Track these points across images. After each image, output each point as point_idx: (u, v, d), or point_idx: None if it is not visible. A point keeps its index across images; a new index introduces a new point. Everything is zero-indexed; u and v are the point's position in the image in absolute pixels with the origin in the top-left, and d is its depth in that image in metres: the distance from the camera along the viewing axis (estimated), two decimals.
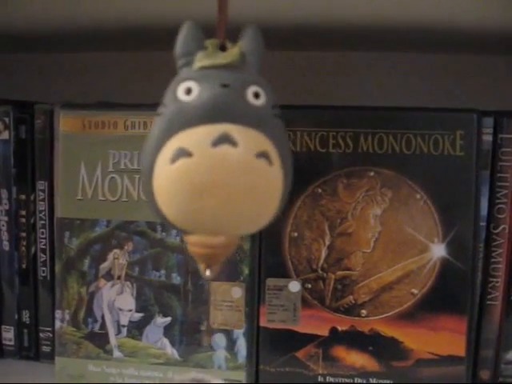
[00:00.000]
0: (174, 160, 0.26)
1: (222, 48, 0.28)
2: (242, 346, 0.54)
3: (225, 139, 0.26)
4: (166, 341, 0.55)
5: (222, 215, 0.26)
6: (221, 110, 0.26)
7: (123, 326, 0.55)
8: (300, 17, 0.50)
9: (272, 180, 0.27)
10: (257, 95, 0.27)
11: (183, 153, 0.26)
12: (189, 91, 0.27)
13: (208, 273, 0.29)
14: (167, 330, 0.55)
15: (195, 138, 0.26)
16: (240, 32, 0.28)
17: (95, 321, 0.56)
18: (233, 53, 0.28)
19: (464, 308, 0.53)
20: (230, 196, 0.26)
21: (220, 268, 0.29)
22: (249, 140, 0.26)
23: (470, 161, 0.53)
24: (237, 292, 0.53)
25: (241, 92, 0.27)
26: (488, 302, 0.58)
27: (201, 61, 0.27)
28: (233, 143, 0.26)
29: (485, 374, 0.59)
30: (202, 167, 0.26)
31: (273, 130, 0.27)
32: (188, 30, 0.28)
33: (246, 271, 0.53)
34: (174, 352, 0.55)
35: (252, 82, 0.27)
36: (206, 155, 0.26)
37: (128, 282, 0.55)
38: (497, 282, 0.57)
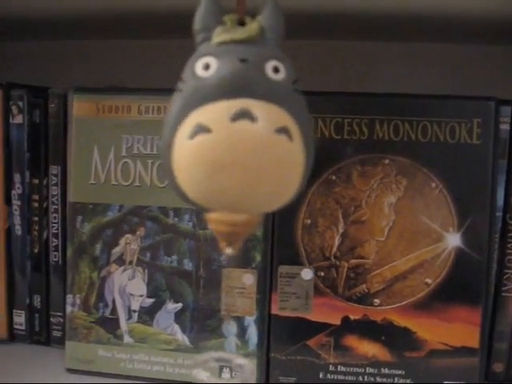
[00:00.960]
0: (192, 136, 0.26)
1: (241, 23, 0.28)
2: (253, 333, 0.54)
3: (244, 114, 0.25)
4: (176, 327, 0.55)
5: (242, 192, 0.26)
6: (239, 84, 0.26)
7: (134, 311, 0.56)
8: (318, 5, 0.50)
9: (293, 156, 0.27)
10: (276, 70, 0.27)
11: (202, 129, 0.26)
12: (207, 67, 0.27)
13: (229, 251, 0.28)
14: (178, 316, 0.55)
15: (214, 113, 0.26)
16: (259, 8, 0.28)
17: (106, 306, 0.56)
18: (252, 27, 0.27)
19: (478, 299, 0.53)
20: (249, 172, 0.26)
21: (240, 245, 0.29)
22: (268, 115, 0.26)
23: (486, 149, 0.52)
24: (249, 279, 0.53)
25: (260, 67, 0.26)
26: (503, 294, 0.58)
27: (219, 36, 0.27)
28: (252, 118, 0.25)
29: (498, 367, 0.59)
30: (220, 143, 0.25)
31: (293, 105, 0.27)
32: (206, 5, 0.27)
33: (259, 258, 0.53)
34: (185, 338, 0.55)
35: (271, 56, 0.27)
36: (224, 131, 0.25)
37: (139, 268, 0.55)
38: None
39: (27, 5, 0.55)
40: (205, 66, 0.27)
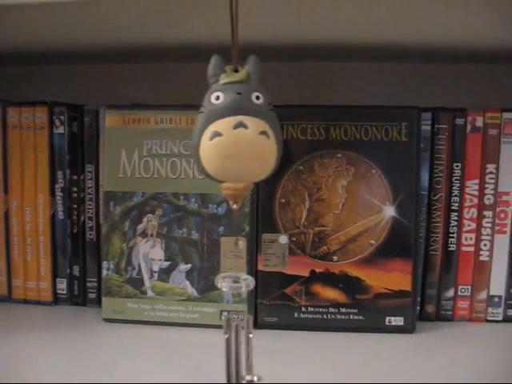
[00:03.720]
0: (211, 138, 0.45)
1: (236, 70, 0.47)
2: None
3: (240, 124, 0.45)
4: (187, 283, 0.73)
5: (240, 170, 0.46)
6: (237, 107, 0.45)
7: (155, 272, 0.74)
8: (291, 38, 0.69)
9: (270, 148, 0.46)
10: (258, 98, 0.46)
11: (216, 134, 0.45)
12: (218, 98, 0.46)
13: (235, 206, 0.48)
14: (188, 275, 0.73)
15: (223, 124, 0.45)
16: (246, 58, 0.47)
17: (133, 269, 0.74)
18: (242, 73, 0.47)
19: (410, 254, 0.72)
20: (244, 159, 0.45)
21: (241, 204, 0.48)
22: (255, 124, 0.45)
23: (412, 145, 0.72)
24: (240, 244, 0.72)
25: (248, 96, 0.46)
26: (431, 253, 0.76)
27: (224, 79, 0.47)
28: (245, 126, 0.45)
29: (430, 308, 0.77)
30: (227, 142, 0.45)
31: (269, 118, 0.46)
32: (215, 61, 0.47)
33: (247, 228, 0.72)
34: (194, 291, 0.73)
35: (254, 89, 0.46)
36: (230, 134, 0.45)
37: (158, 239, 0.73)
38: (437, 236, 0.76)
39: (68, 37, 0.73)
40: (216, 98, 0.46)
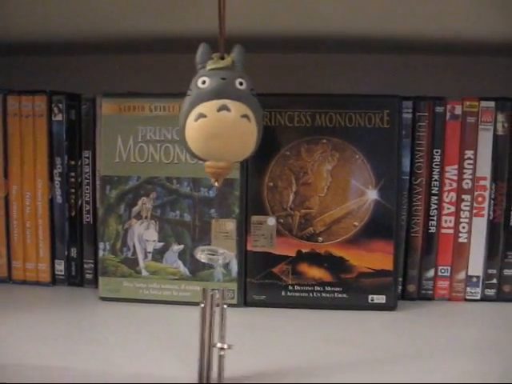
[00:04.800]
0: (196, 119, 0.49)
1: (222, 58, 0.51)
2: (234, 264, 0.77)
3: (224, 107, 0.49)
4: (180, 262, 0.78)
5: (223, 150, 0.50)
6: (221, 92, 0.49)
7: (149, 252, 0.78)
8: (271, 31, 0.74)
9: (250, 130, 0.50)
10: (241, 83, 0.50)
11: (201, 115, 0.49)
12: (204, 82, 0.50)
13: (216, 184, 0.52)
14: (181, 255, 0.78)
15: (208, 107, 0.49)
16: (231, 47, 0.51)
17: (128, 249, 0.79)
18: (227, 60, 0.51)
19: (391, 235, 0.77)
20: (227, 139, 0.49)
21: (223, 182, 0.52)
22: (237, 108, 0.49)
23: (393, 131, 0.76)
24: (230, 226, 0.76)
25: (232, 82, 0.50)
26: (412, 234, 0.81)
27: (210, 65, 0.51)
28: (228, 109, 0.49)
29: (411, 288, 0.82)
30: (211, 123, 0.49)
31: (251, 103, 0.50)
32: (203, 48, 0.51)
33: (237, 211, 0.76)
34: (186, 270, 0.78)
35: (238, 76, 0.50)
36: (214, 116, 0.49)
37: (152, 221, 0.78)
38: (418, 219, 0.80)
39: (65, 31, 0.77)
40: (202, 82, 0.50)
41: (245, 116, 0.50)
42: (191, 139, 0.50)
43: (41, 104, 0.82)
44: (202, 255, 0.54)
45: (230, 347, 0.53)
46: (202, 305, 0.53)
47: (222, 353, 0.53)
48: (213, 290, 0.53)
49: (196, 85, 0.51)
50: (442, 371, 0.58)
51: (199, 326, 0.53)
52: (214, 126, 0.49)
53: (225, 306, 0.53)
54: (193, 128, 0.50)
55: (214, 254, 0.54)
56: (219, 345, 0.53)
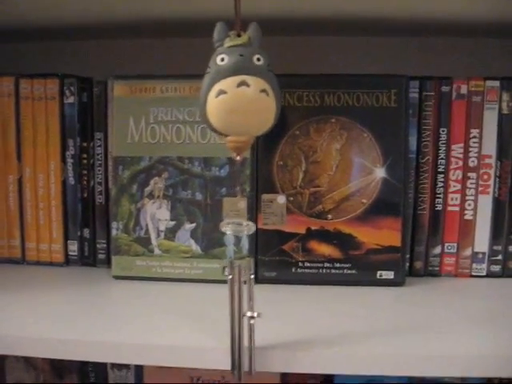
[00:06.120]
0: (217, 96, 0.51)
1: (239, 35, 0.53)
2: (245, 242, 0.79)
3: (243, 83, 0.51)
4: (192, 241, 0.80)
5: (243, 124, 0.52)
6: (240, 68, 0.52)
7: (161, 231, 0.80)
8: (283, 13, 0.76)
9: (269, 105, 0.53)
10: (258, 59, 0.52)
11: (222, 92, 0.51)
12: (222, 59, 0.52)
13: (238, 158, 0.54)
14: (193, 233, 0.80)
15: (227, 83, 0.51)
16: (247, 25, 0.53)
17: (141, 228, 0.81)
18: (244, 38, 0.53)
19: (399, 212, 0.79)
20: (247, 114, 0.52)
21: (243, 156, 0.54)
22: (256, 83, 0.51)
23: (400, 110, 0.78)
24: (241, 204, 0.78)
25: (250, 58, 0.52)
26: (419, 212, 0.83)
27: (228, 43, 0.53)
28: (248, 85, 0.51)
29: (418, 264, 0.84)
30: (231, 99, 0.51)
31: (268, 78, 0.52)
32: (220, 27, 0.53)
33: (248, 189, 0.78)
34: (198, 248, 0.80)
35: (255, 52, 0.53)
36: (233, 92, 0.51)
37: (165, 200, 0.80)
38: (425, 197, 0.82)
39: (76, 15, 0.79)
40: (221, 59, 0.52)
41: (263, 91, 0.52)
42: (212, 115, 0.53)
43: (53, 87, 0.84)
44: (227, 227, 0.57)
45: (259, 315, 0.55)
46: (230, 276, 0.55)
47: (252, 321, 0.55)
48: (236, 259, 0.55)
49: (215, 62, 0.53)
50: (451, 341, 0.61)
51: (229, 297, 0.56)
52: (234, 102, 0.52)
53: (252, 277, 0.55)
54: (214, 104, 0.52)
55: (239, 226, 0.56)
56: (249, 313, 0.55)
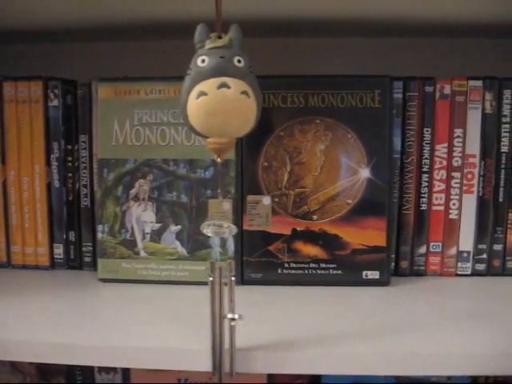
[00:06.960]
0: (197, 97, 0.52)
1: (220, 37, 0.53)
2: (231, 243, 0.79)
3: (224, 85, 0.51)
4: (177, 243, 0.80)
5: (223, 126, 0.52)
6: (220, 69, 0.52)
7: (147, 233, 0.80)
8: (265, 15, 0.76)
9: (250, 106, 0.53)
10: (239, 61, 0.53)
11: (202, 93, 0.51)
12: (203, 61, 0.53)
13: (219, 159, 0.54)
14: (178, 235, 0.80)
15: (208, 85, 0.52)
16: (228, 27, 0.54)
17: (127, 231, 0.81)
18: (225, 40, 0.53)
19: (383, 212, 0.79)
20: (227, 115, 0.52)
21: (224, 158, 0.54)
22: (236, 85, 0.52)
23: (384, 111, 0.79)
24: (226, 206, 0.78)
25: (231, 60, 0.52)
26: (404, 212, 0.83)
27: (208, 45, 0.53)
28: (228, 87, 0.51)
29: (404, 264, 0.85)
30: (212, 100, 0.51)
31: (249, 79, 0.53)
32: (201, 28, 0.53)
33: (233, 191, 0.78)
34: (184, 250, 0.80)
35: (236, 54, 0.53)
36: (214, 94, 0.51)
37: (150, 202, 0.80)
38: (409, 197, 0.83)
39: (60, 17, 0.79)
40: (202, 61, 0.52)
41: (244, 92, 0.52)
42: (193, 117, 0.53)
43: (37, 90, 0.84)
44: (208, 229, 0.57)
45: (240, 317, 0.55)
46: (211, 278, 0.55)
47: (233, 323, 0.56)
48: (221, 261, 0.55)
49: (196, 64, 0.53)
50: (437, 340, 0.61)
51: (209, 299, 0.56)
52: (214, 103, 0.52)
53: (233, 278, 0.56)
54: (194, 106, 0.52)
55: (220, 228, 0.57)
56: (230, 315, 0.55)
